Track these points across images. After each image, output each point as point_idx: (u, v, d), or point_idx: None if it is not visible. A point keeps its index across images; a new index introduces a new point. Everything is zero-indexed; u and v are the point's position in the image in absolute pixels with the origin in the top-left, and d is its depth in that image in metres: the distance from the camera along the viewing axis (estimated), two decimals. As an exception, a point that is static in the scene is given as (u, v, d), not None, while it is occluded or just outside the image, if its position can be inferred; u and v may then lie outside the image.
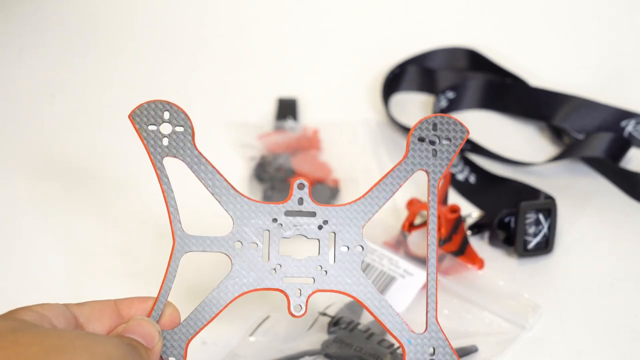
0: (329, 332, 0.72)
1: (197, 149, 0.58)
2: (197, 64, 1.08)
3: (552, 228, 0.80)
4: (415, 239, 0.80)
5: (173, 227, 0.58)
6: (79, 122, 0.98)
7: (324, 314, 0.73)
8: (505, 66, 1.02)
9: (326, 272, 0.58)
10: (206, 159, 0.58)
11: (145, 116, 0.58)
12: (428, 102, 1.02)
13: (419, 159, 0.58)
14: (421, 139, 0.58)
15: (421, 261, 0.78)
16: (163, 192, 0.58)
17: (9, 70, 1.06)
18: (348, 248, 0.59)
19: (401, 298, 0.75)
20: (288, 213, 0.59)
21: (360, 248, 0.59)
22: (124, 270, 0.80)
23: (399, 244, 0.80)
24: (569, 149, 0.91)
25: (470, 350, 0.71)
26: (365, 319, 0.73)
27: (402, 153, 0.59)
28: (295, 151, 0.92)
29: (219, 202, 0.59)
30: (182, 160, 0.58)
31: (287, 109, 0.98)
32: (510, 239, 0.80)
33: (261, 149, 0.92)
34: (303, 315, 0.58)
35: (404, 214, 0.81)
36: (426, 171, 0.59)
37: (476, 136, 0.92)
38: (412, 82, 1.02)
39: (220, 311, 0.58)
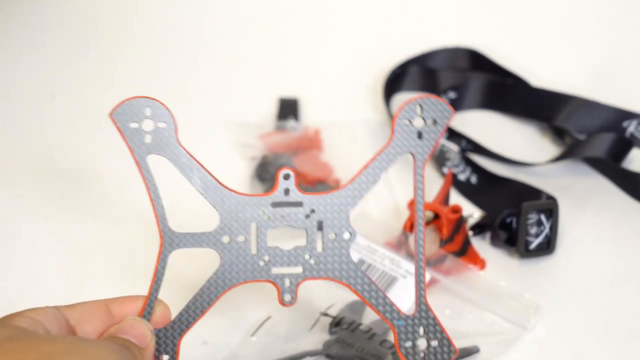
0: (331, 333, 0.72)
1: (180, 144, 0.58)
2: (197, 64, 1.08)
3: (553, 228, 0.80)
4: (416, 239, 0.80)
5: (160, 225, 0.58)
6: (79, 122, 0.98)
7: (326, 315, 0.73)
8: (507, 66, 1.02)
9: (315, 260, 0.59)
10: (190, 154, 0.58)
11: (128, 114, 0.57)
12: (429, 102, 1.01)
13: (405, 141, 0.58)
14: (407, 122, 0.58)
15: (423, 261, 0.77)
16: (148, 191, 0.58)
17: (9, 70, 1.06)
18: (336, 235, 0.59)
19: (403, 298, 0.75)
20: (275, 204, 0.59)
21: (348, 234, 0.59)
22: (124, 271, 0.80)
23: (400, 244, 0.80)
24: (571, 149, 0.91)
25: (471, 351, 0.71)
26: (367, 320, 0.72)
27: (403, 153, 0.59)
28: (297, 151, 0.91)
29: (205, 197, 0.58)
30: (166, 157, 0.58)
31: (288, 109, 0.98)
32: (511, 239, 0.80)
33: (262, 149, 0.92)
34: (293, 304, 0.59)
35: (405, 214, 0.81)
36: (412, 154, 0.59)
37: (478, 136, 0.92)
38: (413, 82, 1.02)
39: (211, 306, 0.58)
